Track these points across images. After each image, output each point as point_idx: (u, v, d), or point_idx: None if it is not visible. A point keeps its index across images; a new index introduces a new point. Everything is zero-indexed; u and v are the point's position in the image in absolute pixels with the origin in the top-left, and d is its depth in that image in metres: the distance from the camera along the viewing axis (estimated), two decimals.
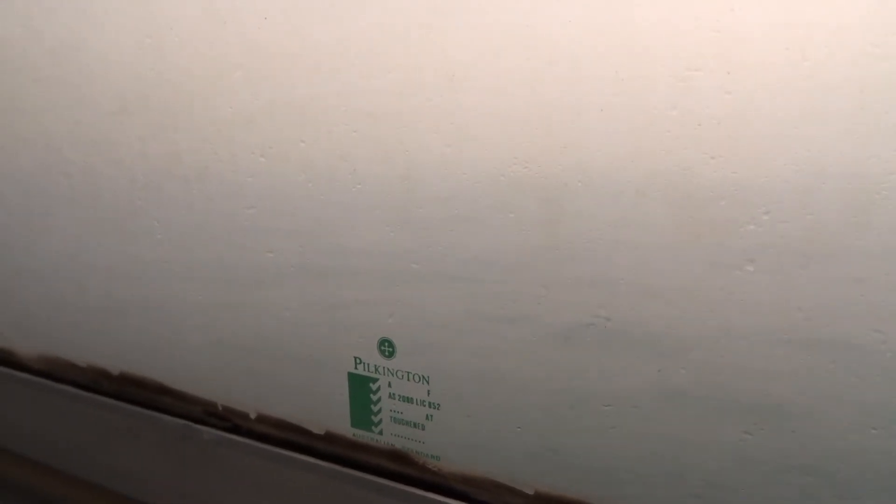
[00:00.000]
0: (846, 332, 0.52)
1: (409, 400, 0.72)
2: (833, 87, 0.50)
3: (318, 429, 0.79)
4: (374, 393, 0.74)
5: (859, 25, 0.48)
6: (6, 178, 0.96)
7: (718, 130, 0.53)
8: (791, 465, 0.57)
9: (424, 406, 0.71)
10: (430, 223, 0.66)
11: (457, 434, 0.71)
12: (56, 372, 0.99)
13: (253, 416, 0.84)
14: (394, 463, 0.75)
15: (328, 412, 0.78)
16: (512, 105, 0.60)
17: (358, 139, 0.68)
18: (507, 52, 0.59)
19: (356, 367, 0.74)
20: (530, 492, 0.68)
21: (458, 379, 0.69)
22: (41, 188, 0.93)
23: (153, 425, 0.90)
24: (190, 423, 0.87)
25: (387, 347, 0.72)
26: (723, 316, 0.56)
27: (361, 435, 0.77)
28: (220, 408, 0.86)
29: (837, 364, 0.53)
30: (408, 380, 0.72)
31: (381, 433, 0.75)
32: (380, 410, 0.74)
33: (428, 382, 0.71)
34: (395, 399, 0.73)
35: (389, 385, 0.73)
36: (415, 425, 0.73)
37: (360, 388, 0.75)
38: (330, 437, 0.79)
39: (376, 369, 0.73)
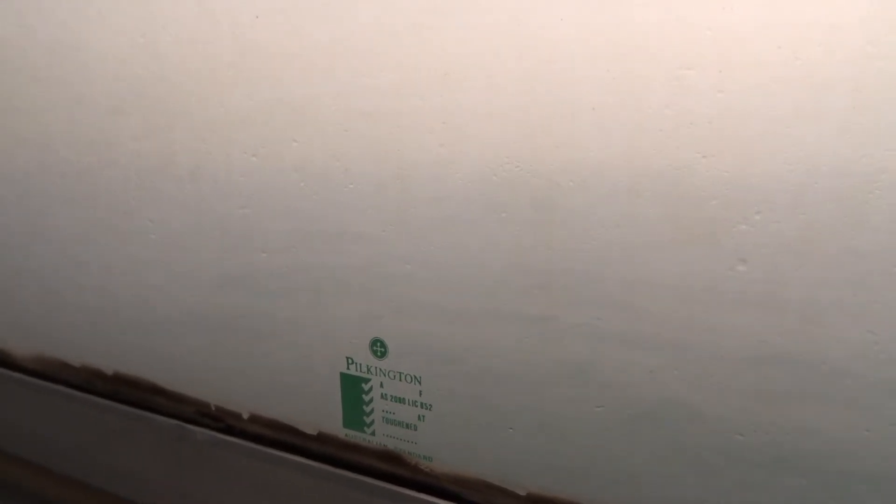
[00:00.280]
0: (839, 332, 0.52)
1: (401, 400, 0.72)
2: (826, 86, 0.49)
3: (310, 429, 0.79)
4: (367, 393, 0.74)
5: (853, 24, 0.48)
6: (2, 177, 0.96)
7: (711, 129, 0.53)
8: (784, 467, 0.56)
9: (416, 406, 0.71)
10: (422, 222, 0.66)
11: (449, 435, 0.70)
12: (50, 372, 0.99)
13: (246, 416, 0.83)
14: (386, 463, 0.74)
15: (320, 413, 0.78)
16: (505, 104, 0.60)
17: (351, 138, 0.68)
18: (500, 51, 0.59)
19: (348, 368, 0.74)
20: (522, 493, 0.68)
21: (450, 380, 0.69)
22: (37, 188, 0.93)
23: (146, 425, 0.90)
24: (183, 424, 0.87)
25: (379, 348, 0.71)
26: (715, 316, 0.56)
27: (354, 435, 0.76)
28: (214, 408, 0.86)
29: (830, 365, 0.53)
30: (400, 380, 0.71)
31: (373, 434, 0.75)
32: (372, 411, 0.74)
33: (420, 383, 0.70)
34: (387, 399, 0.73)
35: (381, 385, 0.73)
36: (407, 426, 0.72)
37: (353, 388, 0.74)
38: (322, 438, 0.78)
39: (368, 369, 0.73)
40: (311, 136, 0.70)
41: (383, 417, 0.74)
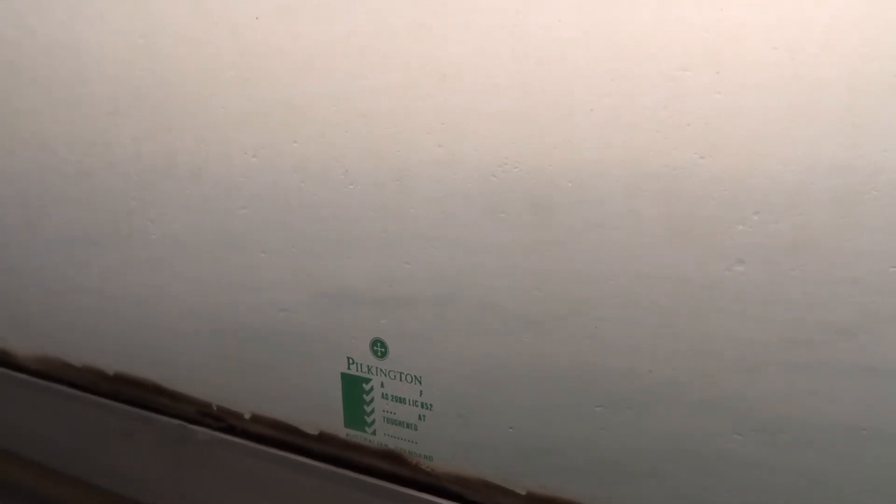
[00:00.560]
0: (836, 332, 0.52)
1: (401, 400, 0.72)
2: (822, 86, 0.49)
3: (311, 429, 0.79)
4: (367, 393, 0.74)
5: (849, 25, 0.48)
6: (1, 178, 0.96)
7: (708, 130, 0.53)
8: (782, 467, 0.57)
9: (417, 406, 0.71)
10: (422, 223, 0.66)
11: (449, 434, 0.71)
12: (52, 372, 1.00)
13: (247, 416, 0.84)
14: (387, 463, 0.75)
15: (322, 412, 0.78)
16: (503, 105, 0.60)
17: (350, 139, 0.68)
18: (497, 52, 0.59)
19: (349, 368, 0.74)
20: (522, 492, 0.68)
21: (450, 379, 0.69)
22: (37, 188, 0.93)
23: (148, 425, 0.90)
24: (185, 424, 0.88)
25: (379, 348, 0.72)
26: (713, 316, 0.56)
27: (355, 435, 0.77)
28: (215, 408, 0.86)
29: (827, 364, 0.53)
30: (400, 380, 0.72)
31: (374, 433, 0.75)
32: (373, 411, 0.74)
33: (420, 383, 0.71)
34: (387, 399, 0.73)
35: (382, 385, 0.73)
36: (407, 425, 0.73)
37: (353, 388, 0.75)
38: (323, 438, 0.79)
39: (369, 369, 0.73)
40: (310, 136, 0.70)
41: (384, 417, 0.74)
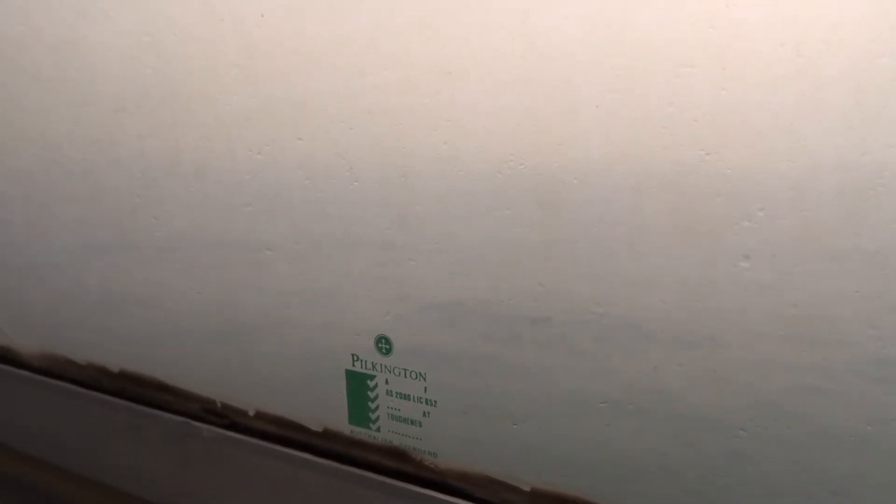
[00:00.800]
0: (841, 328, 0.52)
1: (406, 397, 0.72)
2: (829, 82, 0.50)
3: (316, 426, 0.80)
4: (372, 390, 0.74)
5: (855, 21, 0.48)
6: (6, 176, 0.96)
7: (714, 126, 0.53)
8: (786, 462, 0.57)
9: (421, 403, 0.72)
10: (427, 220, 0.66)
11: (453, 431, 0.71)
12: (56, 369, 1.00)
13: (251, 413, 0.84)
14: (391, 460, 0.75)
15: (326, 409, 0.78)
16: (508, 102, 0.60)
17: (355, 136, 0.68)
18: (503, 49, 0.59)
19: (353, 365, 0.75)
20: (527, 488, 0.68)
21: (454, 376, 0.69)
22: (42, 186, 0.93)
23: (152, 422, 0.90)
24: (189, 421, 0.88)
25: (384, 344, 0.72)
26: (718, 312, 0.56)
27: (359, 432, 0.77)
28: (219, 405, 0.86)
29: (832, 361, 0.53)
30: (405, 377, 0.72)
31: (378, 430, 0.75)
32: (377, 407, 0.75)
33: (425, 379, 0.71)
34: (392, 396, 0.73)
35: (387, 382, 0.73)
36: (412, 422, 0.73)
37: (358, 385, 0.75)
38: (328, 435, 0.79)
39: (374, 366, 0.73)
40: (315, 133, 0.70)
41: (388, 414, 0.74)
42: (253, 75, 0.72)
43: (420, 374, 0.71)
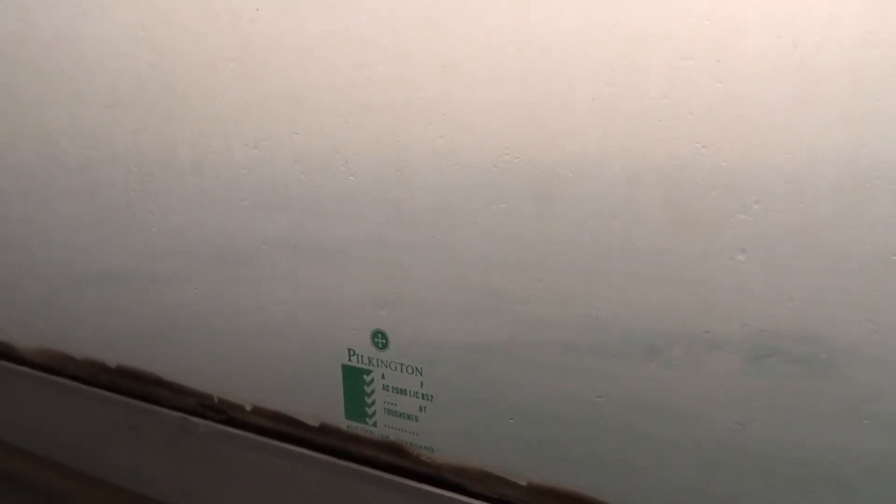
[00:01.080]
0: (838, 321, 0.52)
1: (402, 391, 0.72)
2: (825, 75, 0.49)
3: (312, 421, 0.80)
4: (368, 385, 0.74)
5: (851, 13, 0.48)
6: (3, 171, 0.96)
7: (710, 119, 0.53)
8: (783, 456, 0.57)
9: (418, 398, 0.72)
10: (422, 214, 0.66)
11: (450, 425, 0.71)
12: (53, 365, 1.00)
13: (248, 408, 0.84)
14: (388, 454, 0.75)
15: (323, 404, 0.78)
16: (503, 95, 0.60)
17: (350, 130, 0.68)
18: (498, 42, 0.59)
19: (350, 359, 0.74)
20: (523, 483, 0.68)
21: (450, 370, 0.69)
22: (38, 181, 0.93)
23: (150, 418, 0.90)
24: (186, 416, 0.88)
25: (380, 339, 0.72)
26: (714, 306, 0.56)
27: (356, 427, 0.77)
28: (217, 400, 0.86)
29: (829, 354, 0.53)
30: (401, 371, 0.72)
31: (374, 425, 0.75)
32: (374, 402, 0.75)
33: (421, 374, 0.71)
34: (388, 391, 0.73)
35: (383, 377, 0.73)
36: (408, 417, 0.73)
37: (354, 379, 0.75)
38: (325, 429, 0.79)
39: (370, 361, 0.73)
40: (311, 128, 0.70)
41: (385, 409, 0.74)
42: (249, 70, 0.72)
43: (416, 368, 0.71)
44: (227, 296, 0.81)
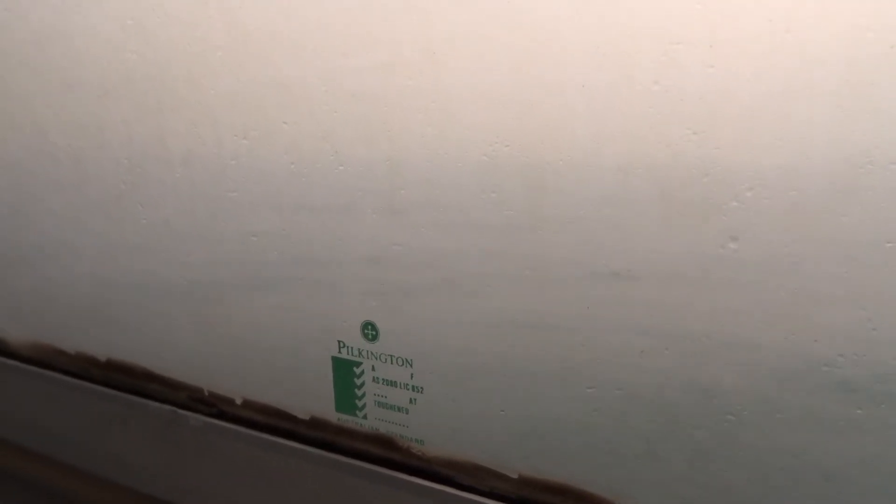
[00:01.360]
0: (831, 309, 0.52)
1: (392, 384, 0.72)
2: (818, 59, 0.48)
3: (303, 414, 0.79)
4: (358, 377, 0.73)
5: None
6: None
7: (701, 105, 0.52)
8: (777, 447, 0.56)
9: (408, 390, 0.71)
10: (413, 203, 0.65)
11: (440, 418, 0.70)
12: (44, 359, 0.99)
13: (239, 401, 0.83)
14: (378, 447, 0.74)
15: (313, 397, 0.77)
16: (493, 83, 0.59)
17: (340, 120, 0.67)
18: (488, 29, 0.58)
19: (340, 351, 0.74)
20: (514, 475, 0.68)
21: (441, 362, 0.68)
22: (28, 173, 0.93)
23: (140, 411, 0.90)
24: (176, 409, 0.87)
25: (370, 331, 0.71)
26: (706, 295, 0.55)
27: (346, 420, 0.76)
28: (207, 393, 0.86)
29: (821, 343, 0.52)
30: (391, 363, 0.71)
31: (365, 418, 0.74)
32: (364, 395, 0.74)
33: (412, 366, 0.70)
34: (378, 383, 0.72)
35: (373, 369, 0.72)
36: (399, 409, 0.72)
37: (344, 372, 0.74)
38: (315, 423, 0.78)
39: (360, 353, 0.72)
40: (301, 117, 0.69)
41: (375, 401, 0.73)
42: (238, 59, 0.71)
43: (407, 360, 0.70)
44: (217, 288, 0.80)
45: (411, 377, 0.70)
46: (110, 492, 0.93)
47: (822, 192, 0.50)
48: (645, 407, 0.60)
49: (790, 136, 0.50)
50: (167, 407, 0.88)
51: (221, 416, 0.85)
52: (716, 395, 0.57)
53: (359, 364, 0.73)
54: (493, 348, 0.65)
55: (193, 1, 0.72)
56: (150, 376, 0.90)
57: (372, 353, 0.72)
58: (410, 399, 0.71)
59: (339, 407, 0.76)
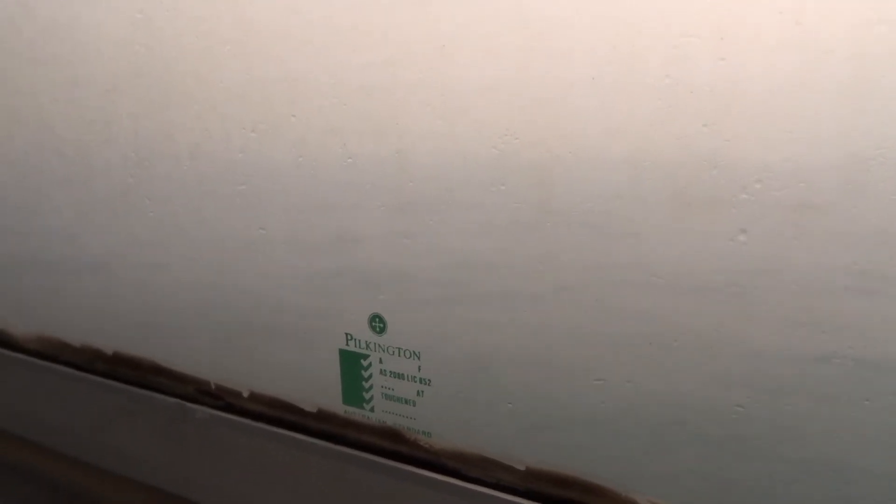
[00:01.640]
0: (838, 300, 0.52)
1: (400, 376, 0.72)
2: (827, 52, 0.49)
3: (310, 406, 0.79)
4: (366, 369, 0.74)
5: None
6: (1, 158, 0.95)
7: (711, 98, 0.52)
8: (784, 438, 0.56)
9: (415, 382, 0.71)
10: (421, 196, 0.66)
11: (448, 410, 0.70)
12: (51, 352, 0.99)
13: (246, 394, 0.83)
14: (385, 440, 0.74)
15: (320, 390, 0.77)
16: (503, 76, 0.59)
17: (348, 113, 0.67)
18: (497, 22, 0.58)
19: (347, 344, 0.74)
20: (521, 467, 0.68)
21: (448, 355, 0.68)
22: (35, 168, 0.93)
23: (147, 405, 0.90)
24: (183, 402, 0.87)
25: (378, 323, 0.71)
26: (715, 288, 0.56)
27: (353, 412, 0.76)
28: (214, 386, 0.86)
29: (829, 334, 0.53)
30: (399, 356, 0.71)
31: (372, 410, 0.75)
32: (371, 387, 0.74)
33: (419, 358, 0.70)
34: (386, 375, 0.73)
35: (381, 361, 0.72)
36: (406, 401, 0.72)
37: (352, 364, 0.74)
38: (322, 415, 0.78)
39: (367, 345, 0.73)
40: (309, 111, 0.69)
41: (382, 393, 0.73)
42: (246, 52, 0.72)
43: (414, 353, 0.70)
44: (225, 281, 0.80)
45: (419, 370, 0.70)
46: (117, 484, 0.93)
47: (831, 184, 0.50)
48: (653, 399, 0.60)
49: (800, 129, 0.50)
50: (174, 400, 0.88)
51: (228, 408, 0.85)
52: (724, 387, 0.57)
53: (366, 356, 0.73)
54: (500, 341, 0.66)
55: None
56: (157, 369, 0.90)
57: (379, 346, 0.72)
58: (418, 391, 0.71)
59: (347, 399, 0.76)
